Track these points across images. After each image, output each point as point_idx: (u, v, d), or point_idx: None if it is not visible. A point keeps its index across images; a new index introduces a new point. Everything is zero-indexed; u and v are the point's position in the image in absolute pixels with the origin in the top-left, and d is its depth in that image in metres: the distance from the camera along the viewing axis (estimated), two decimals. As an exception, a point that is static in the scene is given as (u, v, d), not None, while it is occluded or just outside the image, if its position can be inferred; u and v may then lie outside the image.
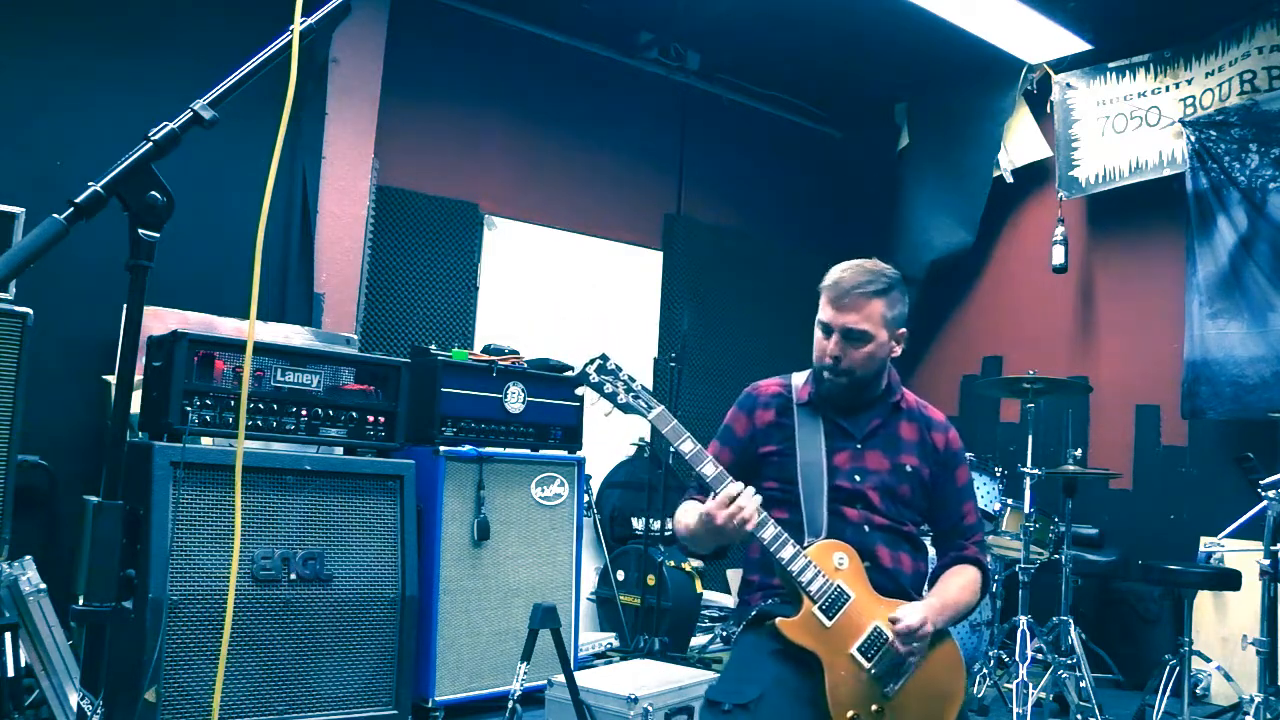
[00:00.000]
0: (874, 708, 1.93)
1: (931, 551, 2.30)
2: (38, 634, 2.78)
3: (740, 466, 2.15)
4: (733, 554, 6.15)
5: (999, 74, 5.53)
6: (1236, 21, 4.67)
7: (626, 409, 2.01)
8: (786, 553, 1.95)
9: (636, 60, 5.67)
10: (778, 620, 1.96)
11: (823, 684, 1.91)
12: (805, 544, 2.01)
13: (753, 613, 2.09)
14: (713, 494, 1.94)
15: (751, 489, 1.94)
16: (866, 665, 1.93)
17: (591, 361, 2.05)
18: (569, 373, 4.15)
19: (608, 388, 2.02)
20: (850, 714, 1.90)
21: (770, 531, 1.94)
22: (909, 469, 2.15)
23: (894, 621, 1.93)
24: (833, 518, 2.06)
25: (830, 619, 1.95)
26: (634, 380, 2.04)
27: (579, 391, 2.08)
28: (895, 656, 1.94)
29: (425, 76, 4.91)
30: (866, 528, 2.08)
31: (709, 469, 1.97)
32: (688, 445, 1.97)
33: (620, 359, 2.06)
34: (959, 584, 2.14)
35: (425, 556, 3.46)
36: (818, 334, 2.15)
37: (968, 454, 4.24)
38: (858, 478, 2.11)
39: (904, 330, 2.16)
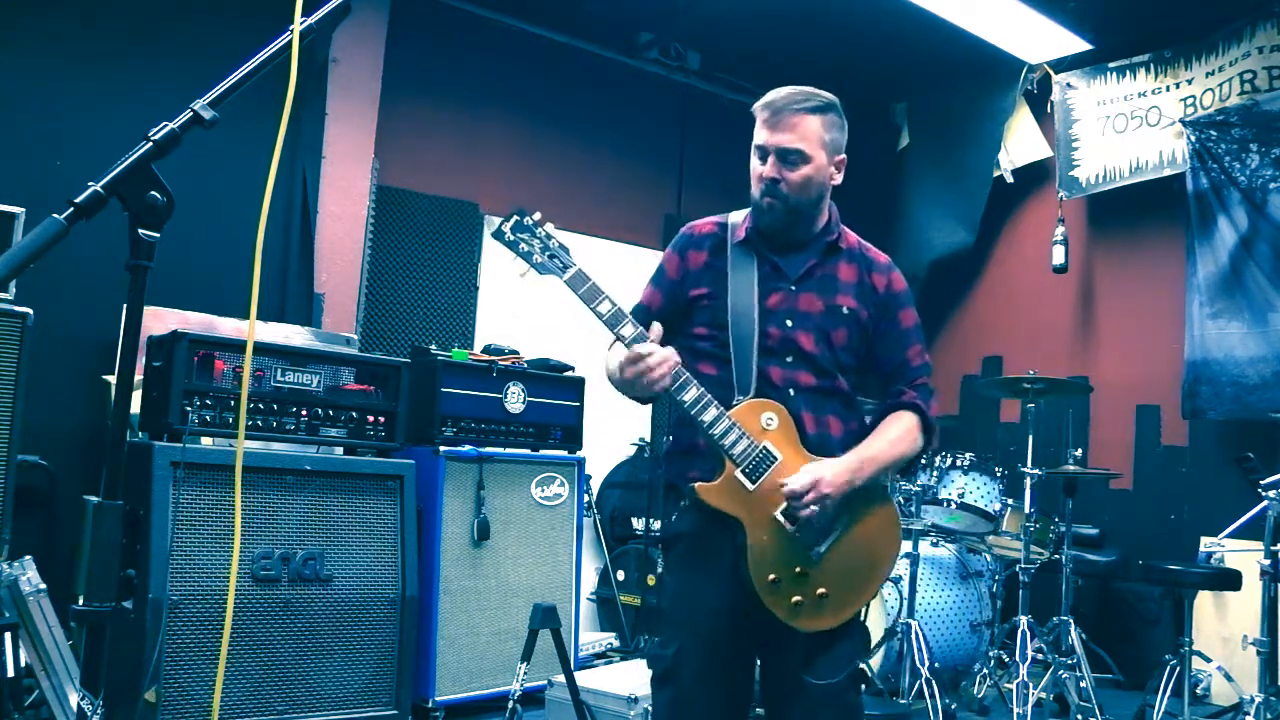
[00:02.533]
0: (797, 569, 1.88)
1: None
2: (38, 634, 2.78)
3: (672, 312, 2.07)
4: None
5: (999, 74, 5.52)
6: (1236, 21, 4.67)
7: (542, 269, 1.93)
8: (709, 415, 1.87)
9: (636, 60, 5.67)
10: (696, 486, 1.90)
11: (745, 552, 1.87)
12: (734, 402, 1.92)
13: (684, 500, 2.00)
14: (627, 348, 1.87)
15: (670, 350, 1.86)
16: (789, 527, 1.88)
17: (509, 217, 1.95)
18: (569, 373, 4.15)
19: (523, 246, 1.93)
20: (771, 577, 1.86)
21: (692, 394, 1.86)
22: (845, 310, 2.02)
23: (783, 485, 1.86)
24: (758, 379, 1.95)
25: (754, 482, 1.88)
26: (551, 238, 1.95)
27: (496, 245, 1.99)
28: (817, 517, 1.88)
29: (425, 76, 4.91)
30: (791, 391, 1.96)
31: (628, 330, 1.87)
32: (605, 307, 1.88)
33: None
34: (888, 437, 2.00)
35: (425, 556, 3.46)
36: (753, 161, 2.02)
37: (969, 453, 4.27)
38: (789, 322, 1.98)
39: (843, 158, 2.04)
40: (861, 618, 2.03)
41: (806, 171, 1.97)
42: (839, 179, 2.04)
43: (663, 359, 1.84)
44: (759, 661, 2.05)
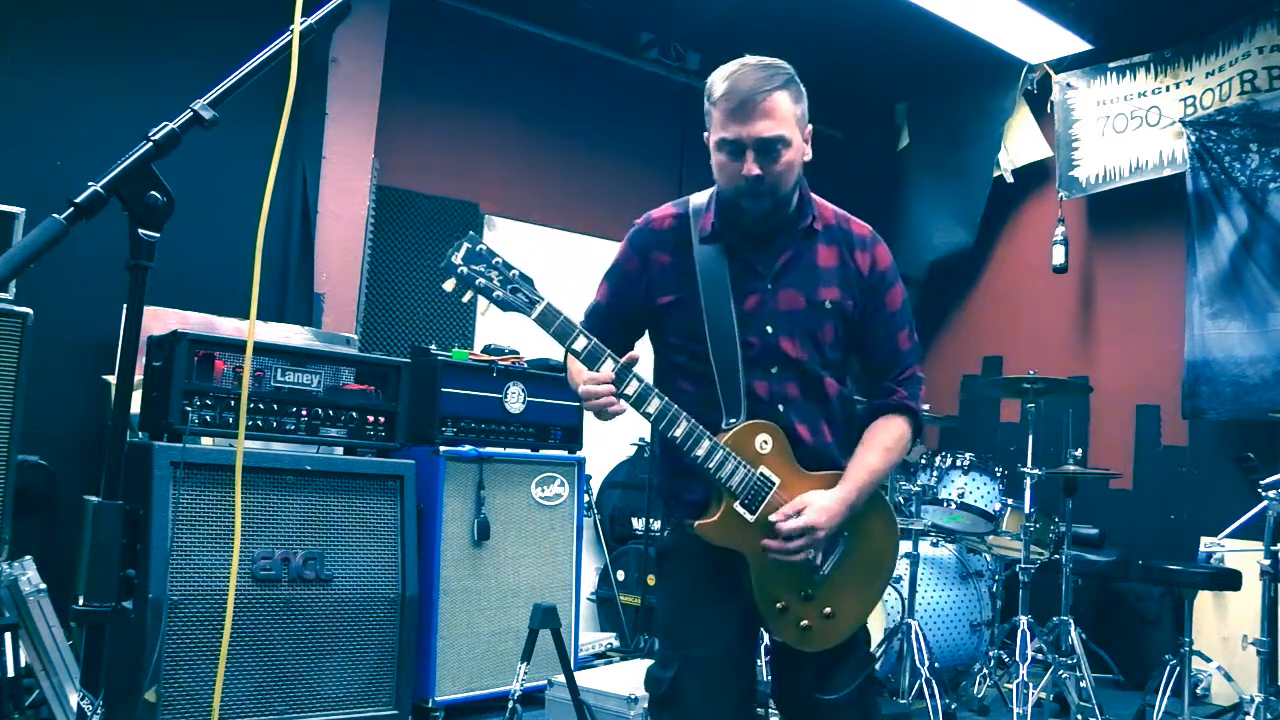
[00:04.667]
0: (804, 593, 1.82)
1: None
2: (38, 634, 2.78)
3: (628, 311, 1.93)
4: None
5: (999, 74, 5.52)
6: (1236, 21, 4.67)
7: (504, 305, 1.71)
8: (702, 450, 1.76)
9: (636, 60, 5.67)
10: (696, 523, 1.80)
11: (750, 580, 1.80)
12: (724, 425, 1.81)
13: (673, 523, 1.94)
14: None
15: (609, 377, 1.72)
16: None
17: (458, 246, 1.69)
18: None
19: (480, 280, 1.69)
20: (779, 605, 1.80)
21: (682, 428, 1.75)
22: (828, 304, 1.86)
23: (777, 528, 1.77)
24: (746, 396, 1.83)
25: (754, 512, 1.79)
26: (511, 268, 1.72)
27: (445, 286, 1.67)
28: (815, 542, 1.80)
29: (425, 76, 4.91)
30: (780, 406, 1.84)
31: (607, 365, 1.73)
32: (580, 344, 1.73)
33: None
34: (880, 445, 1.88)
35: (425, 556, 3.46)
36: (721, 157, 1.81)
37: (969, 453, 4.25)
38: (769, 328, 1.83)
39: (811, 128, 1.85)
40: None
41: (789, 157, 1.78)
42: (809, 154, 1.86)
43: (599, 392, 1.72)
44: (772, 677, 2.01)
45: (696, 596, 1.88)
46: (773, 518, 1.78)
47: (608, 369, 1.73)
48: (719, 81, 1.79)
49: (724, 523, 1.80)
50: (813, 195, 1.92)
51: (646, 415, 1.76)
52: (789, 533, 1.76)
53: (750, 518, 1.80)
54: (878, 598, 1.96)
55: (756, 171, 1.76)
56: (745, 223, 1.85)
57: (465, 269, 1.69)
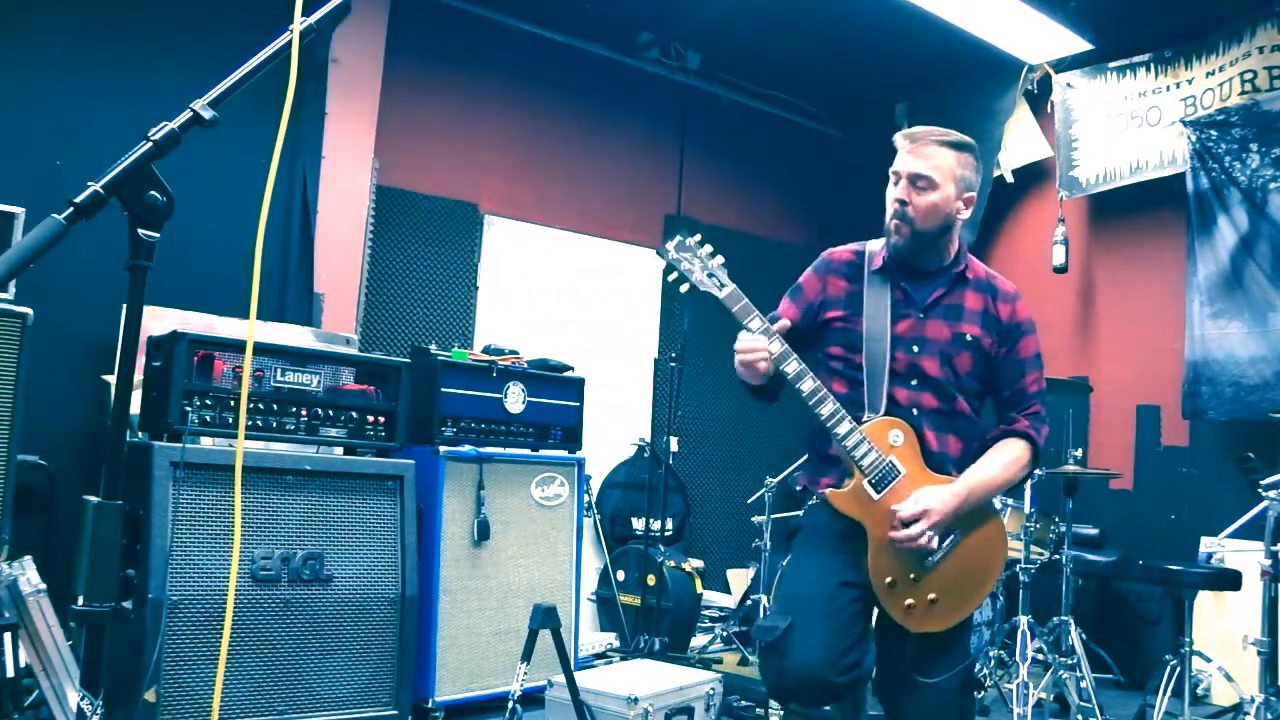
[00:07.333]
0: (912, 575, 2.06)
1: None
2: (38, 634, 2.78)
3: (804, 328, 2.24)
4: (730, 555, 6.06)
5: (999, 74, 5.52)
6: (1237, 21, 4.67)
7: (700, 286, 2.10)
8: (842, 428, 2.04)
9: (636, 60, 5.67)
10: (827, 491, 2.09)
11: (866, 554, 2.05)
12: (864, 420, 2.09)
13: (812, 500, 2.20)
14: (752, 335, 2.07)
15: (763, 339, 2.03)
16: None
17: (673, 236, 2.13)
18: (569, 373, 4.15)
19: (684, 264, 2.10)
20: (888, 580, 2.04)
21: (829, 408, 2.03)
22: (969, 338, 2.16)
23: (895, 513, 2.02)
24: (887, 400, 2.12)
25: (879, 493, 2.05)
26: (711, 258, 2.11)
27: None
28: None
29: (425, 76, 4.91)
30: (914, 411, 2.12)
31: (776, 345, 2.04)
32: (755, 323, 2.05)
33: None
34: (999, 461, 2.16)
35: (425, 556, 3.46)
36: (889, 188, 2.16)
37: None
38: (915, 348, 2.14)
39: (972, 195, 2.17)
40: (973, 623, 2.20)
41: (933, 199, 2.10)
42: (965, 215, 2.16)
43: (754, 346, 2.03)
44: (876, 652, 2.18)
45: (818, 558, 2.13)
46: (893, 507, 2.03)
47: (776, 345, 2.05)
48: (906, 129, 2.16)
49: (852, 495, 2.07)
50: (969, 255, 2.25)
51: (799, 391, 2.04)
52: (906, 519, 2.01)
53: (875, 496, 2.05)
54: (981, 597, 2.16)
55: (901, 196, 2.11)
56: (890, 251, 2.18)
57: (675, 254, 2.10)
